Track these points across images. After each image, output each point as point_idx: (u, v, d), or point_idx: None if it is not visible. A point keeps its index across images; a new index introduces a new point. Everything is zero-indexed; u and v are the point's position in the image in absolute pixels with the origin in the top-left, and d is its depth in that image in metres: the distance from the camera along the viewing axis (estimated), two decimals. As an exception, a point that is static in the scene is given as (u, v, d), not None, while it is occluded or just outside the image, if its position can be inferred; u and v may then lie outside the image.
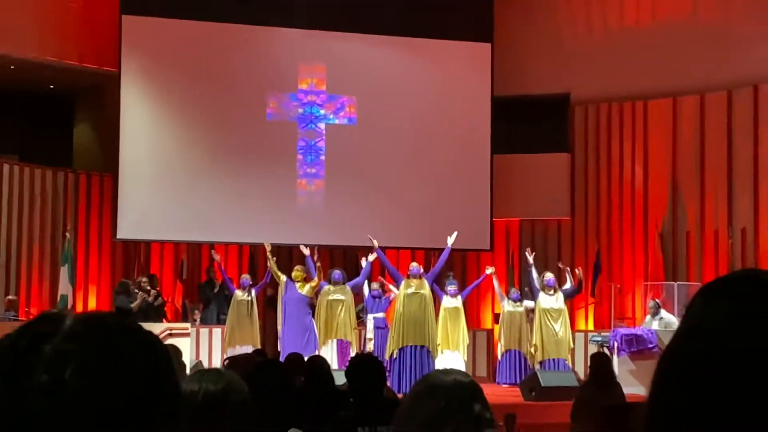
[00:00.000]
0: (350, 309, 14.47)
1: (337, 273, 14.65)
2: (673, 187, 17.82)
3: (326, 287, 14.42)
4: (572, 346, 15.13)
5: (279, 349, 14.38)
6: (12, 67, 17.05)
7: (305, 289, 14.42)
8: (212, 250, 15.89)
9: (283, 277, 14.52)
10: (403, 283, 14.15)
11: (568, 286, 15.28)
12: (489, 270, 15.67)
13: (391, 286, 14.80)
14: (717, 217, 17.29)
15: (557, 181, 18.56)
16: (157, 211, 16.94)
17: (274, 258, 14.85)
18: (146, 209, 16.91)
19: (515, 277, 18.22)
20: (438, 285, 14.99)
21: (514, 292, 15.74)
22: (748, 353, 0.98)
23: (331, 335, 14.29)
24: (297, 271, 14.63)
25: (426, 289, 14.19)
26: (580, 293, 16.10)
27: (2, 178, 17.05)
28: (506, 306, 15.48)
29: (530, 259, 15.17)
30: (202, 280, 17.79)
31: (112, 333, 1.03)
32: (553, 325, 14.74)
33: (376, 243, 14.58)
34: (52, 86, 18.35)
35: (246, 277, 15.38)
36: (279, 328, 14.68)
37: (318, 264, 14.51)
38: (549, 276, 15.05)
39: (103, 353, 1.01)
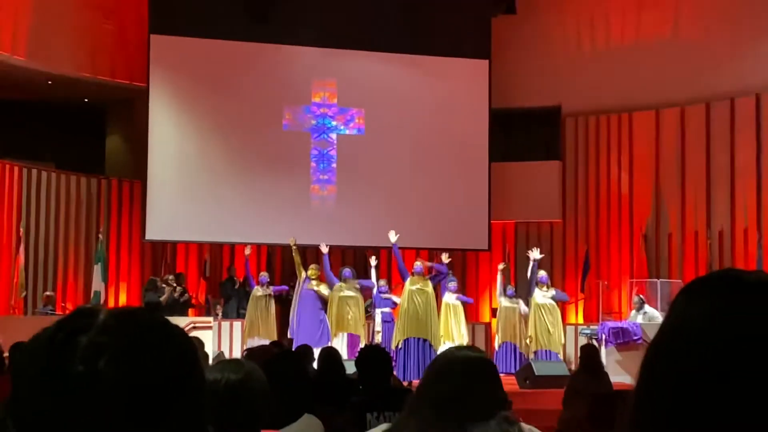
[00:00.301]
0: (360, 305, 14.45)
1: (347, 271, 14.63)
2: (656, 192, 17.80)
3: (338, 284, 14.41)
4: (563, 341, 15.10)
5: (291, 339, 14.36)
6: (49, 82, 17.07)
7: (319, 288, 14.41)
8: (246, 246, 15.81)
9: (304, 273, 14.54)
10: (408, 279, 14.13)
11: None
12: (501, 266, 15.68)
13: (394, 298, 14.74)
14: (696, 219, 17.26)
15: (550, 186, 18.53)
16: (183, 214, 16.93)
17: (299, 254, 14.87)
18: (173, 212, 16.90)
19: (511, 275, 18.18)
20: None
21: (510, 288, 15.71)
22: (728, 351, 0.97)
23: (342, 329, 14.27)
24: (312, 269, 14.63)
25: (429, 287, 14.17)
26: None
27: (40, 184, 17.07)
28: (503, 302, 15.45)
29: (536, 255, 15.04)
30: (223, 278, 17.80)
31: (142, 326, 1.03)
32: (546, 319, 14.73)
33: (394, 238, 14.50)
34: (86, 99, 18.36)
35: (264, 275, 15.36)
36: (291, 316, 14.62)
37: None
38: (542, 273, 15.03)
39: (135, 345, 1.00)
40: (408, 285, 14.05)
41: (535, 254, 14.98)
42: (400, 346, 13.80)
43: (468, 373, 2.19)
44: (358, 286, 14.55)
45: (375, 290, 14.79)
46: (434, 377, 2.20)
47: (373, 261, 15.03)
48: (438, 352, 13.86)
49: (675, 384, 0.98)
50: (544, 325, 14.69)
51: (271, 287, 15.23)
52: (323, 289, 14.44)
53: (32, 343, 1.03)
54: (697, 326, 1.00)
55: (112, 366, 0.98)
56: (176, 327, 1.07)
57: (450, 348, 2.41)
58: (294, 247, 14.77)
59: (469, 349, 2.35)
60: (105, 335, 1.00)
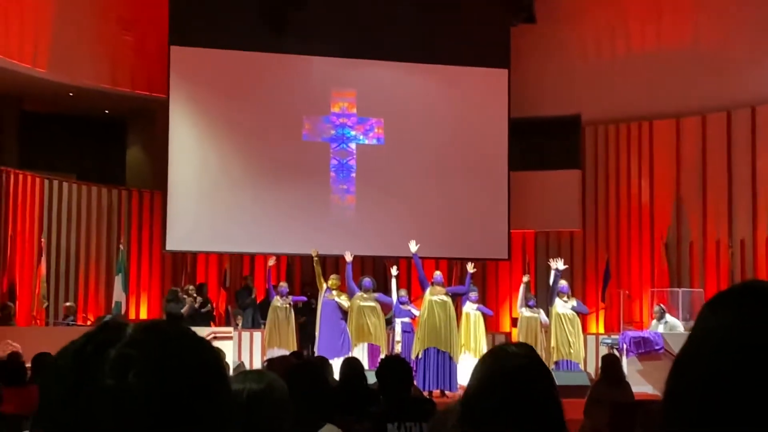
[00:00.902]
0: (380, 315, 14.45)
1: (367, 281, 14.62)
2: (677, 201, 17.73)
3: (358, 293, 14.41)
4: (584, 354, 15.05)
5: (315, 351, 14.38)
6: (71, 93, 17.18)
7: (340, 299, 14.42)
8: (271, 258, 15.82)
9: (325, 284, 14.56)
10: (428, 290, 14.11)
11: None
12: (525, 278, 15.65)
13: (414, 310, 14.73)
14: (718, 228, 17.18)
15: (569, 195, 18.49)
16: (203, 225, 16.99)
17: (320, 265, 14.90)
18: (193, 223, 16.96)
19: (531, 285, 18.13)
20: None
21: (531, 299, 15.65)
22: (750, 360, 0.98)
23: (362, 339, 14.27)
24: (333, 280, 14.64)
25: (448, 297, 14.17)
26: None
27: (62, 195, 17.17)
28: (524, 312, 15.39)
29: (560, 266, 14.97)
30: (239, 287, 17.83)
31: (170, 339, 1.04)
32: (567, 329, 14.68)
33: (414, 248, 14.50)
34: (106, 111, 18.46)
35: (284, 285, 15.38)
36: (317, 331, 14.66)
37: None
38: (563, 283, 14.98)
39: (163, 358, 1.01)
40: (428, 295, 14.04)
41: (558, 264, 14.92)
42: (420, 357, 13.78)
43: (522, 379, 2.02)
44: (375, 296, 14.55)
45: (395, 300, 14.79)
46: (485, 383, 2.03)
47: (394, 271, 15.04)
48: (458, 363, 13.89)
49: (699, 393, 1.00)
50: (564, 335, 14.63)
51: (291, 297, 15.26)
52: (343, 300, 14.45)
53: (60, 356, 1.04)
54: (720, 337, 1.02)
55: (141, 378, 0.99)
56: (203, 339, 1.08)
57: (501, 348, 2.16)
58: (316, 259, 14.79)
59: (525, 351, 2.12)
60: (133, 348, 1.01)
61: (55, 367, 1.03)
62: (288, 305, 14.99)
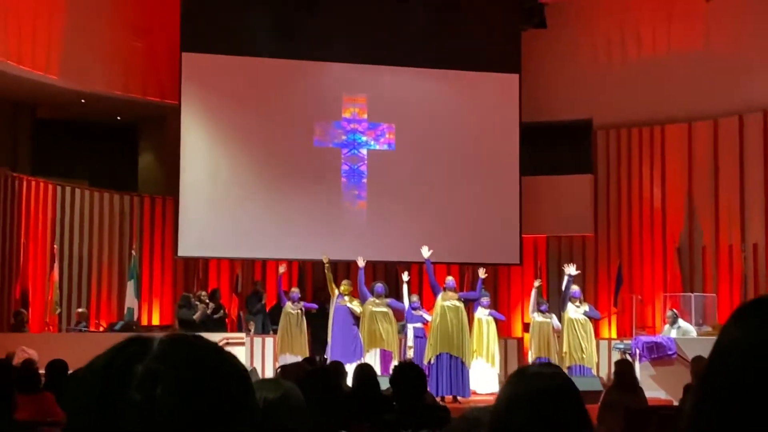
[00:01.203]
0: (392, 321, 14.44)
1: (379, 286, 14.62)
2: (689, 205, 17.69)
3: (370, 299, 14.41)
4: (597, 359, 15.02)
5: (326, 357, 14.39)
6: (82, 100, 17.24)
7: (352, 305, 14.43)
8: (281, 265, 15.85)
9: (337, 290, 14.57)
10: (440, 295, 14.10)
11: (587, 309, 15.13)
12: (537, 283, 15.62)
13: (426, 315, 14.71)
14: (730, 233, 17.13)
15: (581, 200, 18.47)
16: (215, 231, 17.02)
17: (331, 271, 14.91)
18: (204, 229, 16.99)
19: (543, 290, 18.11)
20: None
21: (543, 304, 15.62)
22: None
23: (374, 345, 14.27)
24: (345, 285, 14.66)
25: (461, 302, 14.16)
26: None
27: (74, 201, 17.22)
28: (536, 317, 15.35)
29: (572, 271, 14.96)
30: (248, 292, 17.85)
31: (196, 353, 1.05)
32: (579, 334, 14.65)
33: (427, 254, 14.48)
34: (118, 117, 18.51)
35: (295, 291, 15.39)
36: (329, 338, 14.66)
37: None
38: (575, 288, 14.96)
39: (190, 372, 1.02)
40: (440, 300, 14.02)
41: (570, 270, 14.90)
42: (432, 362, 13.77)
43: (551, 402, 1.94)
44: (388, 302, 14.55)
45: (407, 306, 14.79)
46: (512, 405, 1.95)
47: (405, 276, 15.03)
48: (470, 369, 13.88)
49: (724, 406, 1.00)
50: (576, 340, 14.61)
51: (302, 303, 15.26)
52: (355, 306, 14.45)
53: (88, 371, 1.05)
54: (745, 349, 1.02)
55: (169, 393, 0.99)
56: (228, 352, 1.08)
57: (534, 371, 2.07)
58: (327, 265, 14.80)
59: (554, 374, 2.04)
60: (160, 363, 1.02)
61: (83, 381, 1.04)
62: (300, 311, 15.00)
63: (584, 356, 14.55)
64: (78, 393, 1.03)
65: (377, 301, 14.37)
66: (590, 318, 14.98)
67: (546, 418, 1.90)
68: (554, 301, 16.36)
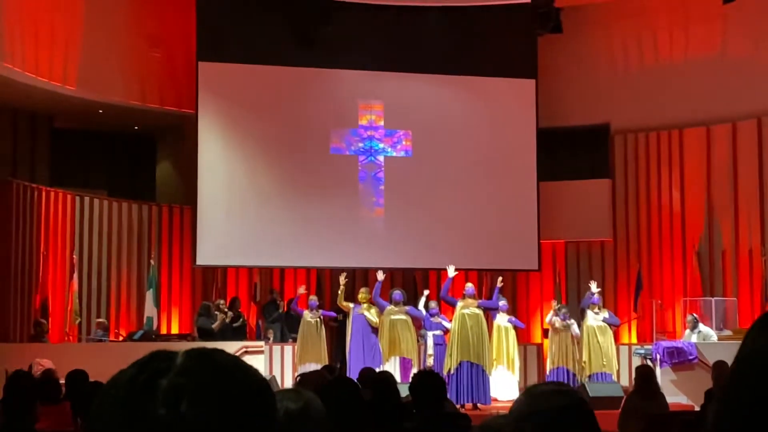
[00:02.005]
0: (411, 328, 14.43)
1: (397, 293, 14.62)
2: (709, 209, 17.62)
3: (389, 307, 14.41)
4: (617, 366, 14.97)
5: (347, 364, 14.41)
6: (100, 110, 17.31)
7: (369, 313, 14.43)
8: (301, 286, 15.90)
9: (351, 305, 14.58)
10: (460, 303, 14.06)
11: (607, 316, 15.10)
12: (554, 304, 15.61)
13: (445, 323, 14.69)
14: (750, 236, 17.05)
15: (599, 205, 18.42)
16: (233, 239, 17.05)
17: (344, 292, 14.93)
18: (223, 237, 17.03)
19: (562, 295, 18.08)
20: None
21: (562, 311, 15.54)
22: None
23: (394, 352, 14.26)
24: (362, 293, 14.67)
25: (480, 309, 14.12)
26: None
27: (93, 211, 17.29)
28: (556, 322, 15.29)
29: (595, 289, 14.98)
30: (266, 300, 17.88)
31: (220, 367, 1.05)
32: (599, 340, 14.60)
33: (452, 273, 14.45)
34: (136, 127, 18.58)
35: (313, 299, 15.41)
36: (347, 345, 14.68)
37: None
38: (595, 295, 14.92)
39: (214, 386, 1.02)
40: (459, 308, 13.99)
41: (593, 287, 14.95)
42: (452, 372, 13.74)
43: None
44: (406, 310, 14.55)
45: (425, 314, 14.79)
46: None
47: (425, 292, 15.06)
48: (491, 377, 13.84)
49: (746, 414, 1.00)
50: (596, 348, 14.57)
51: (321, 311, 15.27)
52: (372, 315, 14.45)
53: (111, 386, 1.05)
54: (766, 355, 1.01)
55: (194, 408, 1.00)
56: (251, 366, 1.09)
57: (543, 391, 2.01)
58: (343, 283, 14.85)
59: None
60: (185, 377, 1.02)
61: (107, 397, 1.04)
62: (318, 319, 15.01)
63: (605, 363, 14.51)
64: (102, 409, 1.04)
65: (395, 308, 14.37)
66: (610, 325, 14.93)
67: None
68: (573, 305, 16.33)
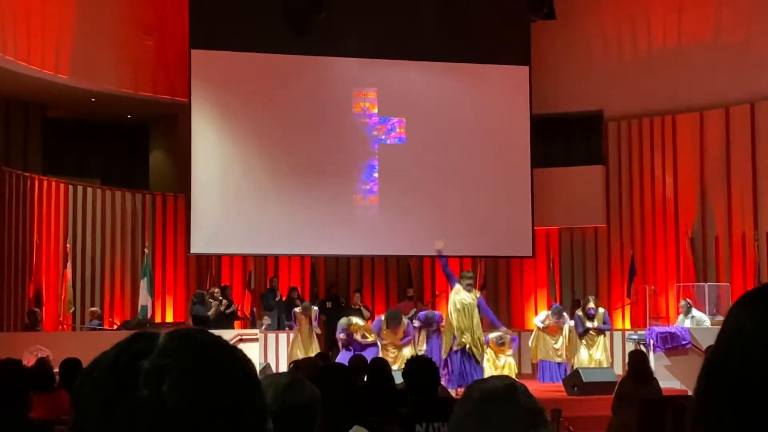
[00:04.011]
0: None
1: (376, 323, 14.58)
2: (702, 195, 17.63)
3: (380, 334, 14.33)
4: (610, 357, 15.02)
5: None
6: (93, 99, 17.26)
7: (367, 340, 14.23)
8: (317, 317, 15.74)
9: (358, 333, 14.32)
10: (454, 289, 13.96)
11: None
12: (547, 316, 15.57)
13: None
14: (743, 221, 17.08)
15: (593, 191, 18.43)
16: (227, 228, 17.04)
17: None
18: (216, 226, 17.02)
19: (556, 282, 18.11)
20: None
21: (555, 308, 15.59)
22: None
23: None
24: (356, 325, 14.39)
25: (473, 299, 13.99)
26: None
27: (86, 200, 17.26)
28: (541, 325, 15.42)
29: (592, 303, 15.03)
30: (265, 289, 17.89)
31: (202, 347, 1.04)
32: (590, 352, 14.74)
33: (440, 245, 14.23)
34: (129, 116, 18.54)
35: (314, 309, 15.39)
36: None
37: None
38: (590, 306, 14.89)
39: (197, 367, 1.01)
40: (452, 296, 13.89)
41: (591, 302, 14.99)
42: (453, 350, 13.73)
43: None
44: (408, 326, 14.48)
45: (407, 324, 14.66)
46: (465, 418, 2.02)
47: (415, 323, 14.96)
48: (484, 363, 13.82)
49: (729, 391, 1.00)
50: (586, 360, 14.70)
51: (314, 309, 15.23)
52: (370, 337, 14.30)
53: (93, 368, 1.04)
54: (751, 336, 1.01)
55: (176, 389, 0.98)
56: (235, 347, 1.07)
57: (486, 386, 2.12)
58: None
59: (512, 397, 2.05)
60: (167, 358, 1.01)
61: (89, 379, 1.03)
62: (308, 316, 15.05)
63: (594, 363, 14.60)
64: (84, 390, 1.02)
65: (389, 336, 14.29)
66: (602, 331, 14.97)
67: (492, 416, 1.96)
68: (566, 292, 16.37)
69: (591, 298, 15.25)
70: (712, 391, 1.03)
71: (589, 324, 14.81)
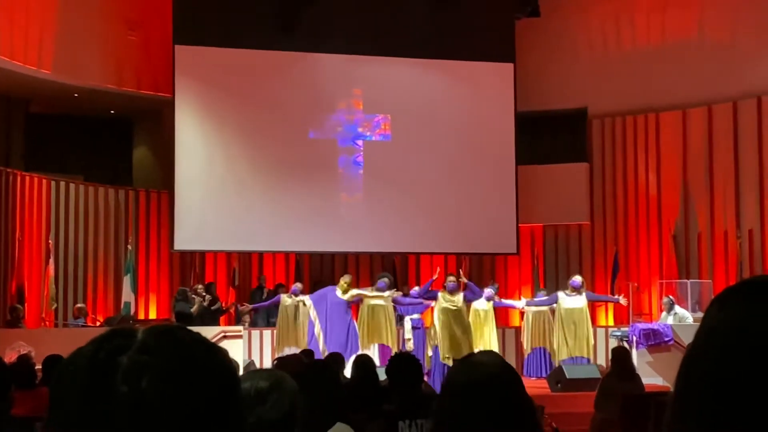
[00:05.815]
0: (390, 317, 14.36)
1: (381, 282, 14.55)
2: (685, 192, 17.70)
3: (371, 294, 14.37)
4: (593, 341, 15.01)
5: (321, 349, 14.34)
6: (76, 95, 17.19)
7: (346, 296, 14.36)
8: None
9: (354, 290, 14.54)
10: (440, 295, 13.98)
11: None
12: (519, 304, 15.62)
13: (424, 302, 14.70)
14: (726, 219, 17.15)
15: (577, 188, 18.48)
16: (211, 224, 16.99)
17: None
18: (200, 222, 16.97)
19: (540, 278, 18.16)
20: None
21: (541, 293, 15.61)
22: (761, 358, 0.98)
23: (373, 340, 14.21)
24: (344, 282, 14.54)
25: (461, 303, 14.02)
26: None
27: (69, 196, 17.19)
28: (530, 309, 15.41)
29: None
30: (253, 286, 17.85)
31: (181, 344, 1.03)
32: (574, 324, 14.63)
33: (436, 275, 14.55)
34: (112, 111, 18.47)
35: (297, 286, 15.32)
36: (316, 328, 14.48)
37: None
38: (576, 279, 14.90)
39: (176, 363, 1.01)
40: (439, 302, 13.90)
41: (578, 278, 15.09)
42: (431, 354, 13.76)
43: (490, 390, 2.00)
44: (393, 297, 14.53)
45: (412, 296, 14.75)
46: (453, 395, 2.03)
47: (435, 274, 15.02)
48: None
49: (707, 388, 1.00)
50: (571, 331, 14.62)
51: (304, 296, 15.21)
52: (363, 291, 14.41)
53: (71, 363, 1.03)
54: (729, 333, 1.01)
55: (155, 385, 0.98)
56: (213, 343, 1.07)
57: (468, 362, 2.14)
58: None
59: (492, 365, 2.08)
60: (146, 354, 1.00)
61: (67, 374, 1.02)
62: (296, 304, 14.96)
63: (578, 339, 14.54)
64: (62, 386, 1.02)
65: (377, 293, 14.31)
66: (591, 301, 14.99)
67: (481, 406, 1.96)
68: (551, 289, 16.40)
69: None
70: (689, 388, 1.03)
71: (568, 295, 14.73)
